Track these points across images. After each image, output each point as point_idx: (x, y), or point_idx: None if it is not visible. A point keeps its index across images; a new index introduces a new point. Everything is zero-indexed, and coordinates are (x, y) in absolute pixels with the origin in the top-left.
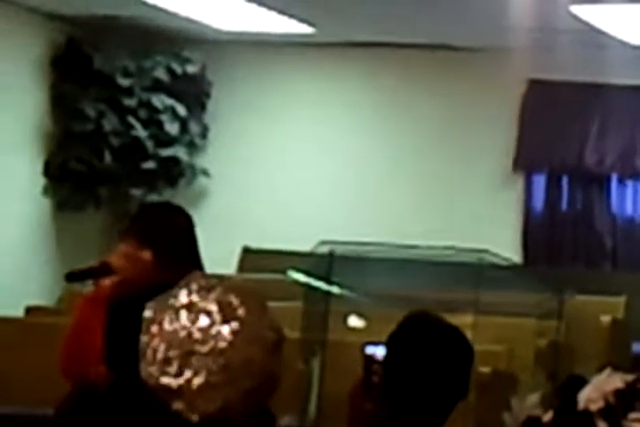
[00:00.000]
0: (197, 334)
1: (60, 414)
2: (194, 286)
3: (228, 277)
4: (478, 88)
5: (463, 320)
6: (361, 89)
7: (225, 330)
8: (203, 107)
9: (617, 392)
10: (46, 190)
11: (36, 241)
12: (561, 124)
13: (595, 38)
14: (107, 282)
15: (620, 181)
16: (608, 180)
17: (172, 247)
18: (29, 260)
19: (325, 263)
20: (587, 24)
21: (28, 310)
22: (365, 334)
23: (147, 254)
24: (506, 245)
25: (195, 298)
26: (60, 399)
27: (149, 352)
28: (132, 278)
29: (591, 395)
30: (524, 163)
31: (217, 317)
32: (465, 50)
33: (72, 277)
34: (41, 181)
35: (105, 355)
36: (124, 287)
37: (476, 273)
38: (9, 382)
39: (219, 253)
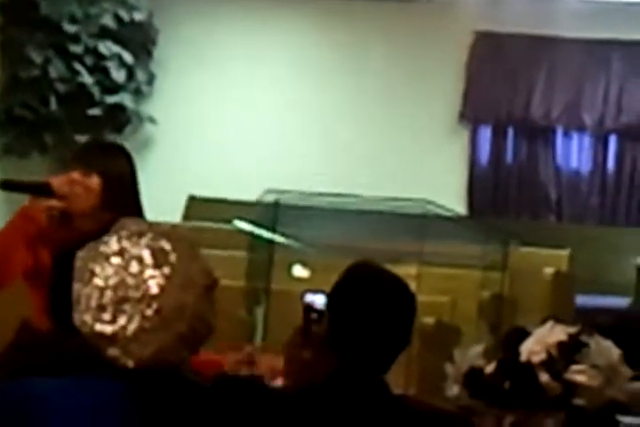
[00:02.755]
0: (130, 280)
1: (2, 360)
2: (124, 233)
3: (158, 224)
4: (425, 39)
5: (407, 271)
6: (307, 38)
7: (157, 275)
8: (149, 54)
9: (559, 345)
10: None
11: None
12: (507, 77)
13: None
14: (44, 203)
15: (566, 133)
16: (553, 132)
17: (118, 182)
18: None
19: (271, 212)
20: None
21: None
22: (309, 283)
23: (95, 180)
24: (451, 197)
25: (126, 244)
26: (1, 346)
27: (83, 300)
28: (73, 207)
29: (533, 347)
30: (470, 115)
31: (148, 262)
32: (413, 1)
33: (7, 185)
34: None
35: (49, 303)
36: (65, 220)
37: (420, 224)
38: None
39: (164, 202)
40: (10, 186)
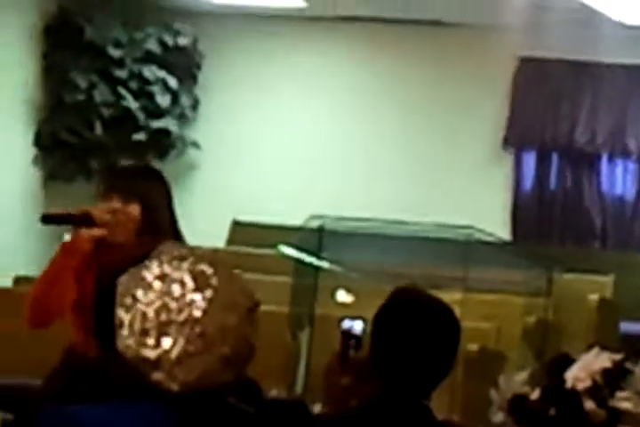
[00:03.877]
0: (172, 304)
1: (49, 384)
2: (165, 257)
3: (198, 248)
4: (470, 65)
5: (451, 297)
6: (351, 64)
7: (199, 298)
8: (194, 79)
9: (604, 372)
10: (37, 161)
11: (25, 211)
12: (552, 102)
13: (587, 16)
14: (86, 234)
15: (610, 159)
16: (598, 158)
17: (156, 207)
18: (19, 230)
19: (315, 238)
20: (579, 2)
21: (17, 280)
22: (353, 308)
23: (135, 209)
24: (495, 223)
25: (167, 269)
26: (48, 370)
27: (126, 325)
28: (115, 236)
29: (578, 374)
30: (515, 140)
31: (190, 286)
32: (457, 26)
33: (48, 219)
34: (31, 151)
35: (95, 327)
36: (108, 248)
37: (464, 250)
38: None
39: (208, 226)
40: (50, 219)
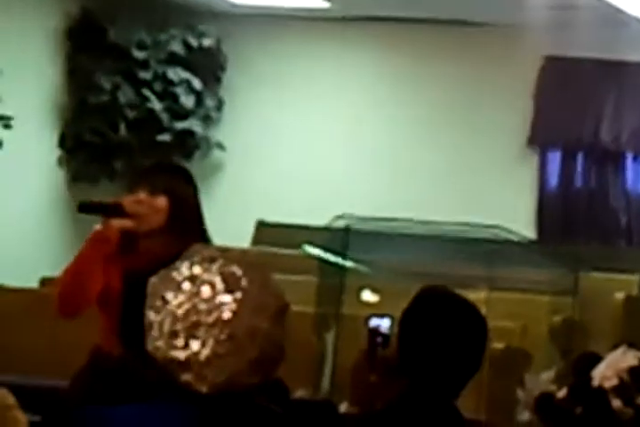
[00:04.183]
0: (202, 306)
1: (75, 385)
2: (195, 259)
3: (228, 249)
4: (494, 64)
5: (477, 296)
6: (375, 64)
7: (228, 300)
8: (218, 80)
9: (631, 370)
10: (61, 162)
11: (50, 212)
12: (577, 101)
13: (612, 15)
14: (116, 223)
15: (636, 158)
16: (623, 157)
17: (182, 202)
18: (44, 231)
19: (341, 238)
20: (604, 1)
21: (43, 282)
22: (378, 308)
23: (162, 201)
24: (520, 222)
25: (197, 270)
26: (74, 371)
27: (155, 327)
28: (144, 227)
29: (605, 372)
30: (540, 139)
31: (220, 287)
32: (482, 26)
33: (84, 207)
34: (56, 152)
35: (120, 329)
36: (134, 240)
37: (490, 249)
38: (23, 352)
39: (233, 227)
40: (86, 208)
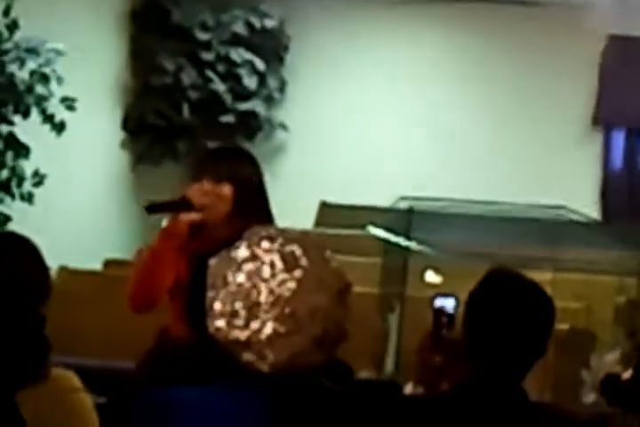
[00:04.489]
0: (262, 285)
1: (142, 367)
2: (255, 239)
3: (288, 229)
4: (558, 44)
5: (541, 277)
6: (438, 46)
7: (288, 279)
8: (281, 61)
9: None
10: (124, 144)
11: (114, 194)
12: None
13: None
14: (185, 217)
15: None
16: None
17: (247, 187)
18: (108, 213)
19: (404, 219)
20: None
21: (107, 264)
22: (442, 289)
23: (226, 189)
24: (585, 202)
25: (256, 250)
26: (140, 353)
27: (216, 307)
28: (211, 217)
29: None
30: (604, 119)
31: (280, 267)
32: (544, 5)
33: (152, 208)
34: (119, 134)
35: (186, 312)
36: (200, 231)
37: (554, 230)
38: (87, 334)
39: (296, 208)
40: (154, 208)
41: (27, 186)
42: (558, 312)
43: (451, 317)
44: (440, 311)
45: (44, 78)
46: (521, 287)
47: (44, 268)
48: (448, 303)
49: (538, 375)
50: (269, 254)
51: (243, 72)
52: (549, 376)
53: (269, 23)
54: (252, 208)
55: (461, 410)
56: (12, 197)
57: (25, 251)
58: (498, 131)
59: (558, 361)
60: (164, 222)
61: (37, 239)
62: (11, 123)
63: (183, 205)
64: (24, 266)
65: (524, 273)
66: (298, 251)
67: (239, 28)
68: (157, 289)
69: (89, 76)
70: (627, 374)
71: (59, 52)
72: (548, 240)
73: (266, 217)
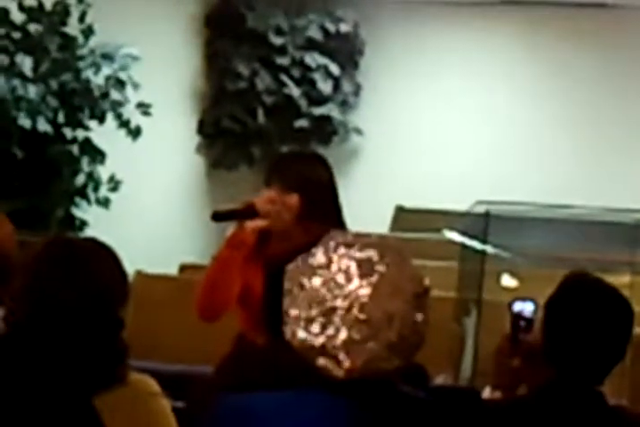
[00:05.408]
0: (337, 291)
1: (220, 373)
2: (331, 244)
3: (365, 234)
4: (634, 47)
5: (620, 281)
6: (515, 48)
7: (364, 284)
8: (355, 65)
9: None
10: (199, 149)
11: (189, 199)
12: None
13: None
14: (250, 225)
15: None
16: None
17: (317, 194)
18: (183, 218)
19: (481, 223)
20: None
21: (183, 268)
22: (520, 293)
23: (293, 198)
24: None
25: (333, 256)
26: (217, 358)
27: (292, 313)
28: (277, 225)
29: None
30: None
31: (356, 272)
32: (623, 8)
33: (218, 216)
34: (194, 139)
35: (264, 315)
36: (268, 238)
37: (632, 233)
38: (166, 339)
39: (372, 212)
40: (220, 217)
41: (103, 191)
42: (636, 316)
43: (529, 321)
44: (518, 315)
45: (120, 84)
46: (600, 292)
47: (122, 273)
48: (527, 307)
49: (615, 379)
50: (345, 260)
51: (317, 77)
52: (626, 380)
53: (344, 27)
54: (322, 214)
55: (540, 415)
56: (89, 202)
57: (104, 256)
58: (577, 133)
59: (635, 365)
60: (229, 231)
61: (113, 244)
62: (87, 128)
63: (248, 212)
64: (104, 271)
65: (602, 277)
66: (375, 256)
67: (314, 33)
68: (224, 298)
69: (164, 81)
70: None
71: (134, 58)
72: (627, 244)
73: (338, 222)
